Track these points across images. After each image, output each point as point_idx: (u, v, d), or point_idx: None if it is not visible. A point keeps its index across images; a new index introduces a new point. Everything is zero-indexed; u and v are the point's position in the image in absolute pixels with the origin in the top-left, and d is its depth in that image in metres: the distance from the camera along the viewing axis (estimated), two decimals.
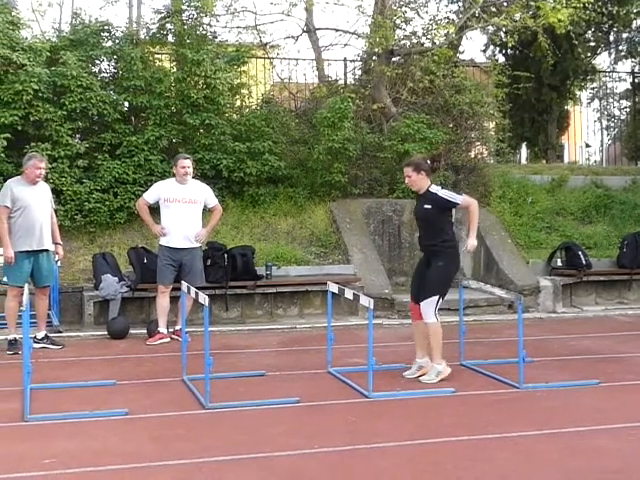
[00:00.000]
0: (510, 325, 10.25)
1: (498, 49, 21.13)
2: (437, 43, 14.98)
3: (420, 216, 7.64)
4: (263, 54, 15.65)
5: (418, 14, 15.57)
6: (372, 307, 6.57)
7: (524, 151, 23.55)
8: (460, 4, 17.28)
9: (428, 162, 7.58)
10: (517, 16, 14.47)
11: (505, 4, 15.27)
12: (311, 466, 5.03)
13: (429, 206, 7.43)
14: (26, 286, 7.83)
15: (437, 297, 7.30)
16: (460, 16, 15.73)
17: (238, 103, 13.80)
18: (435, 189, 7.45)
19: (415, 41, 15.38)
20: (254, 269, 11.01)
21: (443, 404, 6.56)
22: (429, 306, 7.30)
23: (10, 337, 8.76)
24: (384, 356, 7.83)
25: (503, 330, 10.29)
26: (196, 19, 13.13)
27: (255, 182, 12.73)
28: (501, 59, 20.19)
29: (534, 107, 20.32)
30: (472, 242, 7.46)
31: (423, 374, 7.36)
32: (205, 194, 9.67)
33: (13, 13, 11.92)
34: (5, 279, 9.00)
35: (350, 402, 6.59)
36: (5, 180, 9.50)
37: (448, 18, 15.91)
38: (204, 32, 13.25)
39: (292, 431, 5.76)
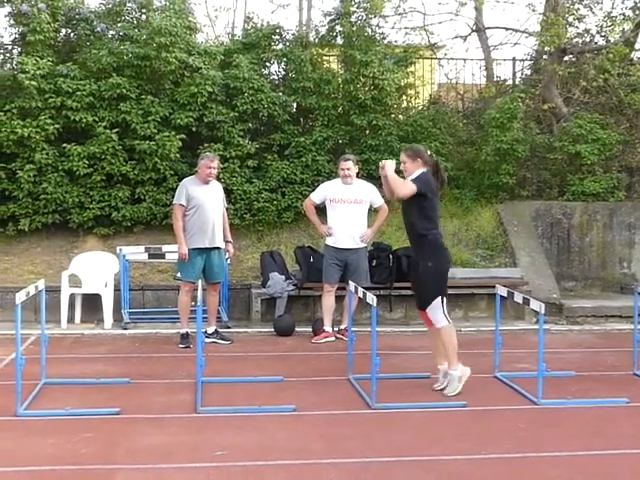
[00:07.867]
0: None
1: None
2: (612, 40, 14.47)
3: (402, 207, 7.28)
4: (430, 54, 15.58)
5: (592, 11, 15.15)
6: (543, 312, 6.40)
7: None
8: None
9: (429, 153, 7.15)
10: None
11: None
12: (479, 471, 4.95)
13: None
14: (199, 282, 8.10)
15: (439, 298, 6.95)
16: (637, 12, 15.12)
17: (405, 104, 13.79)
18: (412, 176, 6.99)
19: (588, 39, 14.93)
20: None
21: (616, 414, 6.32)
22: (435, 310, 6.93)
23: (182, 331, 9.03)
24: (552, 363, 7.55)
25: None
26: (365, 20, 13.20)
27: None
28: None
29: None
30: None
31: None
32: (371, 194, 9.66)
33: (190, 19, 12.32)
34: (179, 275, 9.33)
35: (518, 408, 6.45)
36: (180, 180, 9.84)
37: (624, 14, 15.32)
38: (372, 33, 13.31)
39: (459, 435, 5.69)
